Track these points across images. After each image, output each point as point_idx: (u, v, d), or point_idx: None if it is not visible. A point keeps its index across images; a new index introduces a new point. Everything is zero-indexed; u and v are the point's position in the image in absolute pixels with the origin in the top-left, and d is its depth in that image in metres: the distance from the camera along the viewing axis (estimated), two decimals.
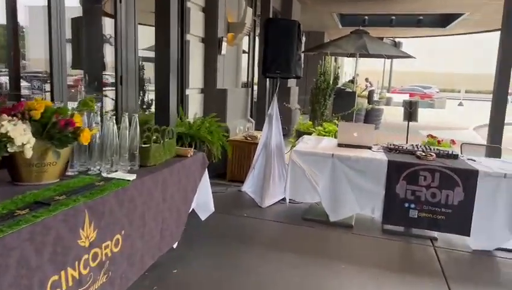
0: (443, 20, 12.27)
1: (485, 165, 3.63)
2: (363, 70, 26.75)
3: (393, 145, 4.11)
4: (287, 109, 6.56)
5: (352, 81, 12.52)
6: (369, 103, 17.90)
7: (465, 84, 32.28)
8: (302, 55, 7.55)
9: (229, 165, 5.22)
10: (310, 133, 5.75)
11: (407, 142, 5.59)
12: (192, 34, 5.00)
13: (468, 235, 3.50)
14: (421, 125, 15.25)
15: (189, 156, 2.89)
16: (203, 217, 3.26)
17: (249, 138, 5.15)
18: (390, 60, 28.11)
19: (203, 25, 5.29)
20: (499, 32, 5.81)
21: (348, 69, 27.22)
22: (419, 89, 31.07)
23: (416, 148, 4.04)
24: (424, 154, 3.80)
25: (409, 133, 6.03)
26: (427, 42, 30.89)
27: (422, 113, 19.31)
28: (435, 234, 3.73)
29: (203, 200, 3.18)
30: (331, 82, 5.79)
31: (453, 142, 5.57)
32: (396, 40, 20.32)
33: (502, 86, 5.68)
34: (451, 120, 18.13)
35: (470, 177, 3.48)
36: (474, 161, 3.83)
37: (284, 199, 4.23)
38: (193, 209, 3.09)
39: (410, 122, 5.80)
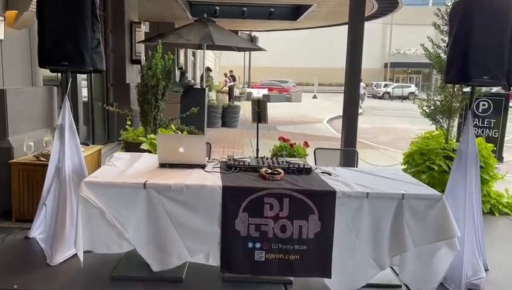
0: (294, 13, 12.07)
1: (343, 181, 2.84)
2: (227, 66, 26.28)
3: (234, 160, 3.10)
4: (122, 113, 5.13)
5: (202, 78, 11.52)
6: (229, 98, 17.30)
7: (319, 78, 34.38)
8: (110, 42, 6.14)
9: (15, 198, 3.65)
10: (140, 144, 4.48)
11: (257, 149, 4.71)
12: None
13: (329, 277, 2.67)
14: (278, 120, 15.25)
15: None
16: None
17: (42, 158, 3.64)
18: (248, 54, 28.31)
19: None
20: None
21: (213, 64, 26.42)
22: (278, 83, 31.99)
23: (262, 162, 3.09)
24: (270, 171, 2.86)
25: (263, 131, 5.19)
26: (283, 37, 31.92)
27: (279, 107, 19.54)
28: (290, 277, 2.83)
29: None
30: (160, 78, 4.57)
31: (306, 144, 4.89)
32: (253, 34, 20.12)
33: (353, 77, 5.23)
34: (307, 113, 18.64)
35: (326, 200, 2.64)
36: (330, 174, 3.04)
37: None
38: None
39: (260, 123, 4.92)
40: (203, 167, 3.00)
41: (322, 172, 3.09)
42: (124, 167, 2.97)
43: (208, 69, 16.74)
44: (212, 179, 2.74)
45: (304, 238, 2.63)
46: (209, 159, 3.67)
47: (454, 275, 2.86)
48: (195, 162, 2.99)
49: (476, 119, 6.10)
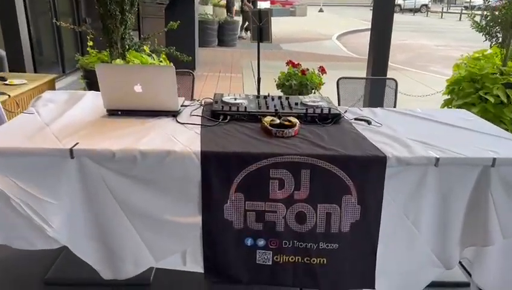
0: None
1: (393, 136, 1.81)
2: None
3: (223, 103, 2.03)
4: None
5: None
6: (228, 12, 15.49)
7: None
8: None
9: None
10: None
11: (258, 79, 3.59)
12: None
13: (372, 287, 1.74)
14: (283, 37, 13.71)
15: None
16: None
17: None
18: None
19: None
20: None
21: None
22: None
23: (265, 105, 2.03)
24: (278, 122, 1.82)
25: (265, 50, 4.04)
26: None
27: (283, 22, 17.75)
28: None
29: None
30: None
31: (322, 70, 3.76)
32: None
33: None
34: (314, 28, 16.95)
35: (370, 171, 1.62)
36: (369, 123, 1.99)
37: None
38: None
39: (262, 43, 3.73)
40: (174, 114, 1.95)
41: (356, 119, 2.04)
42: (51, 116, 1.91)
43: None
44: (186, 137, 1.71)
45: (334, 232, 1.66)
46: (192, 98, 2.63)
47: None
48: (161, 107, 1.92)
49: None
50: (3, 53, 3.76)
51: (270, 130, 1.76)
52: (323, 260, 1.68)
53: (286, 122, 1.83)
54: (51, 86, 3.33)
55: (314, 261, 1.68)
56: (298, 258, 1.68)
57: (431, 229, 1.74)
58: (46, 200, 1.58)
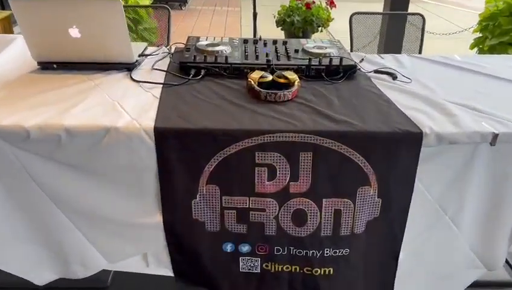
0: None
1: (429, 98, 1.30)
2: None
3: (196, 50, 1.50)
4: None
5: None
6: None
7: None
8: None
9: None
10: None
11: (254, 11, 2.96)
12: None
13: None
14: None
15: None
16: None
17: None
18: None
19: None
20: None
21: None
22: None
23: (254, 52, 1.50)
24: (269, 79, 1.30)
25: None
26: None
27: None
28: None
29: None
30: None
31: (331, 3, 3.13)
32: None
33: None
34: None
35: (398, 154, 1.14)
36: (395, 77, 1.47)
37: None
38: None
39: None
40: (128, 67, 1.43)
41: (376, 71, 1.52)
42: None
43: None
44: (137, 103, 1.20)
45: (345, 235, 1.21)
46: (168, 42, 2.13)
47: None
48: (110, 58, 1.40)
49: None
50: None
51: (258, 92, 1.26)
52: (329, 270, 1.25)
53: (281, 80, 1.32)
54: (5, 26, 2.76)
55: (317, 272, 1.24)
56: (296, 268, 1.25)
57: (474, 225, 1.29)
58: None
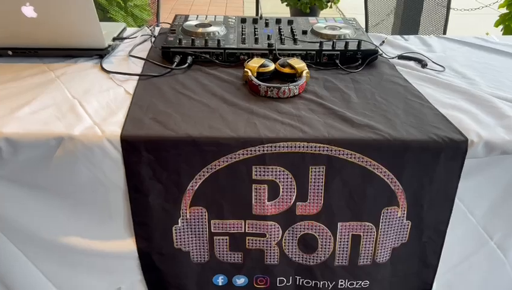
0: None
1: (470, 92, 1.04)
2: None
3: (184, 30, 1.24)
4: None
5: None
6: None
7: None
8: None
9: None
10: None
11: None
12: None
13: None
14: None
15: None
16: None
17: None
18: None
19: None
20: None
21: None
22: None
23: (253, 35, 1.24)
24: (270, 69, 1.05)
25: None
26: None
27: None
28: None
29: None
30: None
31: None
32: None
33: None
34: None
35: (434, 168, 0.89)
36: (424, 64, 1.20)
37: None
38: None
39: None
40: (100, 54, 1.17)
41: (401, 57, 1.25)
42: None
43: None
44: (104, 102, 0.95)
45: (365, 264, 0.98)
46: (157, 21, 1.89)
47: None
48: (75, 42, 1.14)
49: None
50: None
51: (256, 85, 1.00)
52: None
53: (285, 69, 1.06)
54: None
55: None
56: None
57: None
58: None
